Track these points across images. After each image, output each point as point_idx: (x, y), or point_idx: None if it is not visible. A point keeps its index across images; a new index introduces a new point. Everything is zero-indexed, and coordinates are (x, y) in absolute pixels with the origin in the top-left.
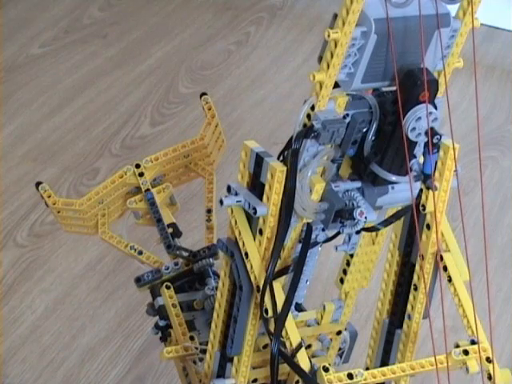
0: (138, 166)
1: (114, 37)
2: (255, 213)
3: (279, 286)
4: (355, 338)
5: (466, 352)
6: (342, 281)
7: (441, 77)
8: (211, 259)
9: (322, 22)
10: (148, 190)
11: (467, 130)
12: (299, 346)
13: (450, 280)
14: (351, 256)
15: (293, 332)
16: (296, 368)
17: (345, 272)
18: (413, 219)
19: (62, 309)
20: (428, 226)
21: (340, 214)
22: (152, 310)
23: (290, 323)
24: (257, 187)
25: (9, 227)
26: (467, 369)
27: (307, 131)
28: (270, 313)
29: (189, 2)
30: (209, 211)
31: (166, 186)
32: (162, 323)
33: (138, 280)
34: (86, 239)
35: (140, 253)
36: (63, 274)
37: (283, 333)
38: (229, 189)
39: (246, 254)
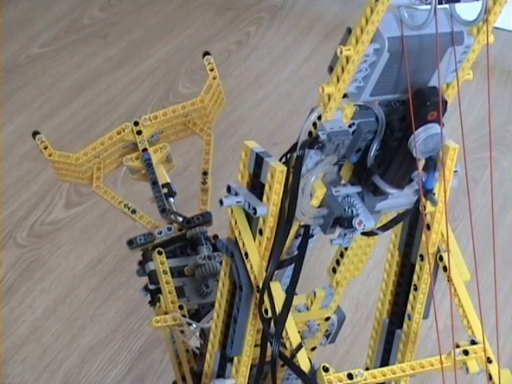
0: (136, 123)
1: (114, 37)
2: (255, 213)
3: (279, 287)
4: (343, 322)
5: (466, 352)
6: (334, 270)
7: (449, 88)
8: (204, 227)
9: (321, 23)
10: (145, 149)
11: (467, 131)
12: (299, 347)
13: (450, 280)
14: (345, 248)
15: (293, 332)
16: (296, 369)
17: (338, 262)
18: (412, 220)
19: (62, 309)
20: (428, 227)
21: (339, 221)
22: (142, 270)
23: (289, 323)
24: (257, 187)
25: (9, 227)
26: (467, 369)
27: (312, 142)
28: (270, 313)
29: (189, 2)
30: (205, 173)
31: (163, 146)
32: (151, 287)
33: (130, 242)
34: (86, 239)
35: (133, 212)
36: (63, 275)
37: (283, 333)
38: (229, 189)
39: (246, 254)
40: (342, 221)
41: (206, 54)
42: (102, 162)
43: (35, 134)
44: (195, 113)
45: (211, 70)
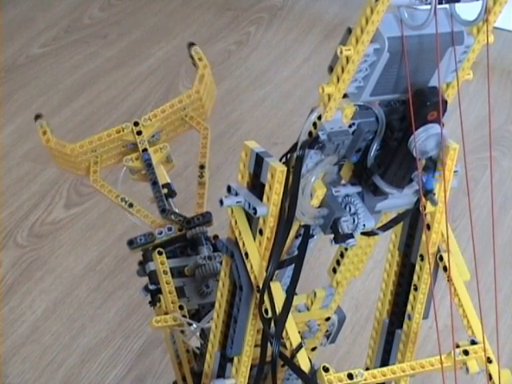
0: (136, 123)
1: (115, 37)
2: (255, 213)
3: (279, 287)
4: (343, 322)
5: (466, 352)
6: (334, 270)
7: (449, 88)
8: (204, 227)
9: (321, 23)
10: (145, 149)
11: (467, 131)
12: (299, 347)
13: (449, 280)
14: (345, 248)
15: (293, 332)
16: (296, 369)
17: (338, 262)
18: (412, 220)
19: (62, 309)
20: (428, 227)
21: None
22: (142, 270)
23: (289, 323)
24: (257, 187)
25: (9, 227)
26: (467, 369)
27: (312, 142)
28: (270, 313)
29: (189, 2)
30: (202, 167)
31: (163, 146)
32: (152, 287)
33: (130, 242)
34: (86, 239)
35: (130, 205)
36: (63, 275)
37: (283, 333)
38: (229, 189)
39: (246, 254)
40: None
41: (192, 44)
42: (99, 156)
43: (37, 117)
44: (191, 105)
45: (200, 59)
